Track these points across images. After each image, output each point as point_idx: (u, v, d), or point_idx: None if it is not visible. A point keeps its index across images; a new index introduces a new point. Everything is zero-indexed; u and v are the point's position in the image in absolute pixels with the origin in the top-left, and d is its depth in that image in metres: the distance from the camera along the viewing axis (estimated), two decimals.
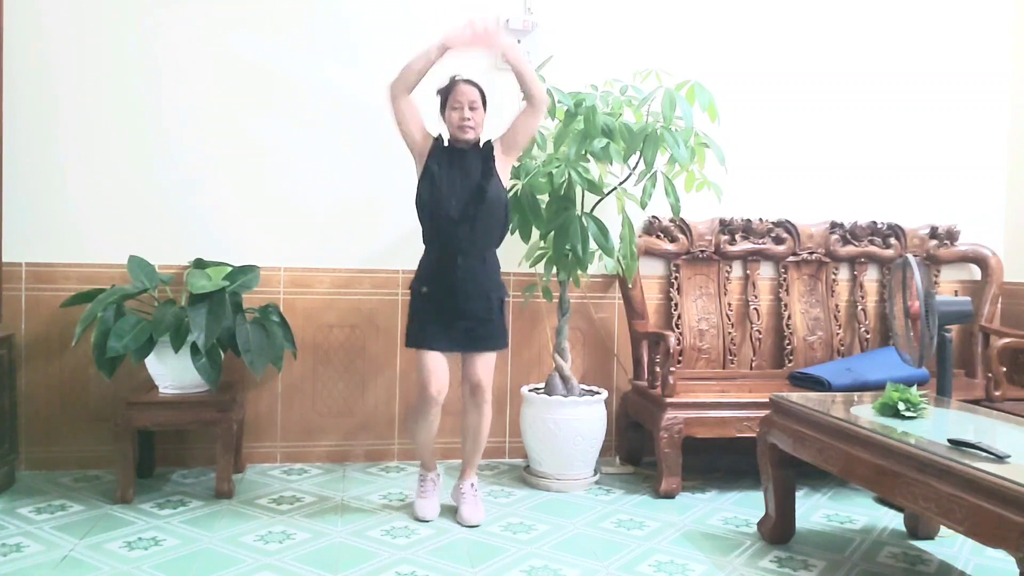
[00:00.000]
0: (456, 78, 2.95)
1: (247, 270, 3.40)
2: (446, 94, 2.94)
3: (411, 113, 2.93)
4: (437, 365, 2.90)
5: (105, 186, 3.46)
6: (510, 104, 3.66)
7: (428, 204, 2.89)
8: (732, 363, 3.86)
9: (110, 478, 3.30)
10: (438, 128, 3.00)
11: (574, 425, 3.34)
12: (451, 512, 3.06)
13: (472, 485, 3.07)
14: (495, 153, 2.95)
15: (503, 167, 2.96)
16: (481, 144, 2.97)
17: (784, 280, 3.98)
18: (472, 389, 2.98)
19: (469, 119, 2.89)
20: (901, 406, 2.52)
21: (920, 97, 4.12)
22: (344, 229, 3.66)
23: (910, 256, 3.10)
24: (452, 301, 2.88)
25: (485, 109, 2.96)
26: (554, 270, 3.41)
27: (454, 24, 2.89)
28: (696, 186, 3.43)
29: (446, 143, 2.97)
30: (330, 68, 3.62)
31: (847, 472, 2.44)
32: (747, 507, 3.20)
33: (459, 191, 2.87)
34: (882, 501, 3.26)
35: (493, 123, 3.04)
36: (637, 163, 3.32)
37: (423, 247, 2.99)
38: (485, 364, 2.96)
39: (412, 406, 3.06)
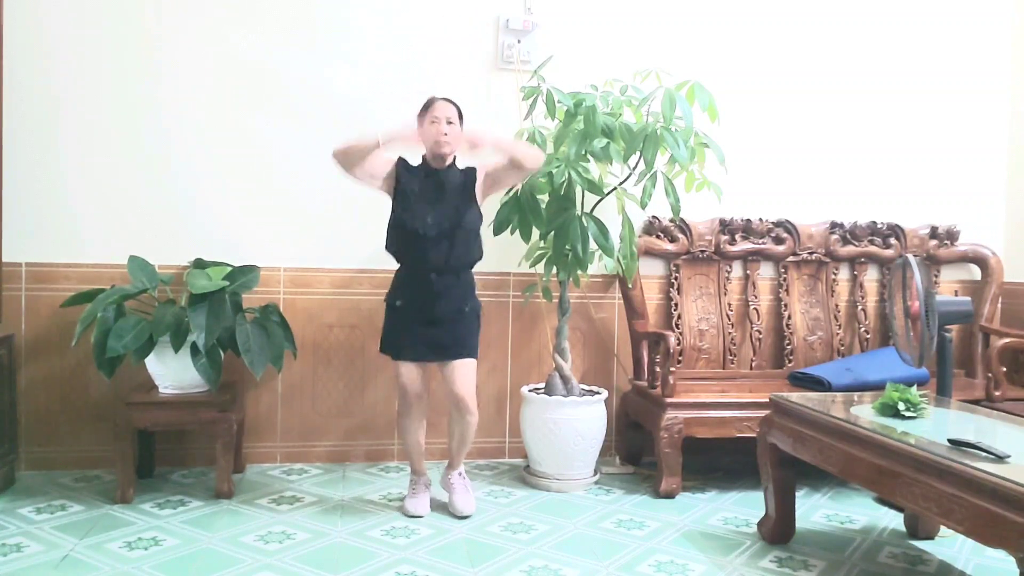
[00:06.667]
0: (433, 97, 2.98)
1: (247, 270, 3.40)
2: (423, 111, 2.97)
3: (369, 170, 2.93)
4: (411, 370, 2.97)
5: (105, 186, 3.46)
6: (510, 104, 3.67)
7: (403, 220, 2.92)
8: (732, 363, 3.86)
9: (110, 478, 3.30)
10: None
11: (574, 425, 3.34)
12: (443, 508, 3.08)
13: (460, 474, 3.13)
14: (477, 183, 2.99)
15: (479, 198, 3.00)
16: (462, 167, 3.00)
17: (784, 280, 3.97)
18: (455, 403, 3.01)
19: (447, 133, 2.91)
20: (901, 406, 2.52)
21: (920, 97, 4.11)
22: (344, 229, 3.66)
23: (910, 256, 3.10)
24: (424, 310, 2.93)
25: (461, 125, 2.98)
26: (554, 270, 3.41)
27: (416, 126, 2.95)
28: (696, 186, 3.43)
29: (418, 161, 3.00)
30: (330, 68, 3.62)
31: (847, 472, 2.44)
32: (747, 507, 3.20)
33: (435, 208, 2.91)
34: (882, 501, 3.26)
35: (491, 125, 3.04)
36: (637, 163, 3.32)
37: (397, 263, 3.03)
38: (463, 375, 2.98)
39: (399, 408, 3.09)
